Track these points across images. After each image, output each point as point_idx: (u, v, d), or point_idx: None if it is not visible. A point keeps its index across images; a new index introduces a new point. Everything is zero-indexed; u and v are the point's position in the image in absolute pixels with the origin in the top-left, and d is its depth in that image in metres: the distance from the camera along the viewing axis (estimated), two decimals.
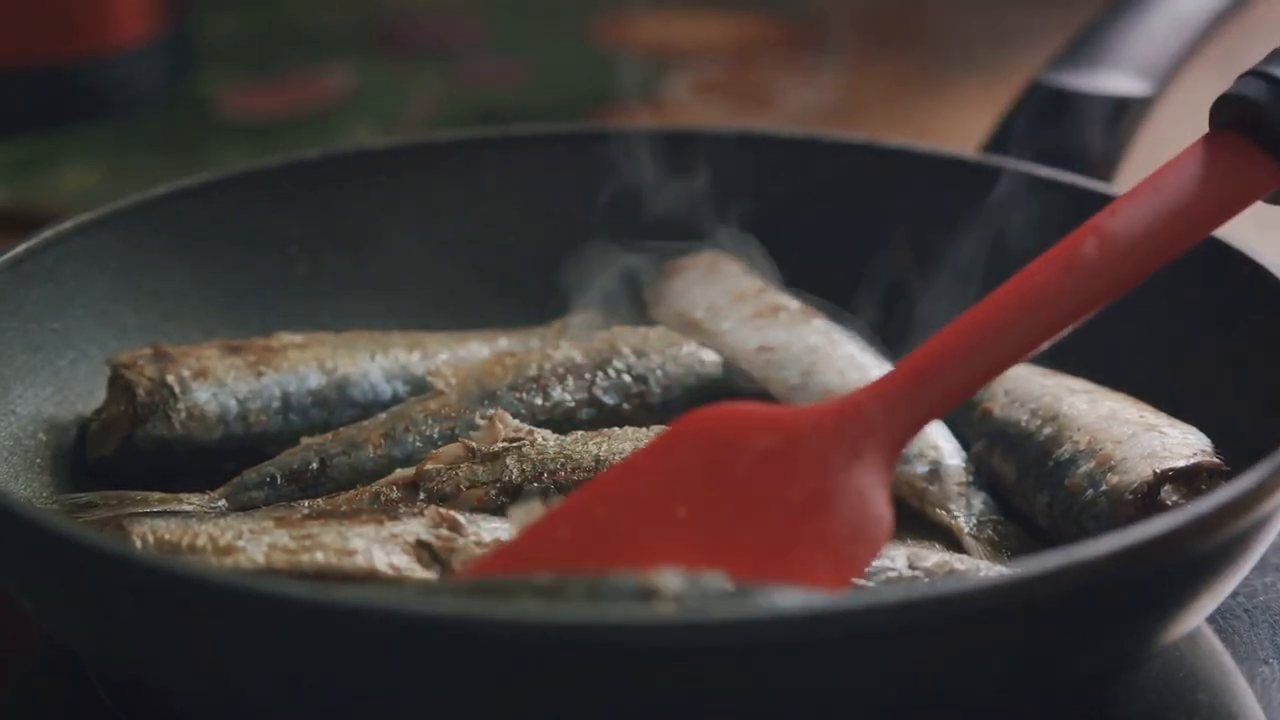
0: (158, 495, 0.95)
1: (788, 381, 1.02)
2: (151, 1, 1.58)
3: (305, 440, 0.98)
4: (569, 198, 1.15)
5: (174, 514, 0.93)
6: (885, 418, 0.82)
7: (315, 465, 0.96)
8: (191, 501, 0.94)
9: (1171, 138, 1.38)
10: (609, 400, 1.00)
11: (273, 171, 1.13)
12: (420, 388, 1.02)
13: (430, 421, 0.98)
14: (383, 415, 0.99)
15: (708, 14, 1.80)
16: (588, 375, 1.01)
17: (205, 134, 1.58)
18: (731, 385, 1.04)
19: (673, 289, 1.10)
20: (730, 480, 0.80)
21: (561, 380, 1.00)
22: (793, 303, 1.07)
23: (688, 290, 1.09)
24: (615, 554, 0.78)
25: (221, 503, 0.95)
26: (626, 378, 1.01)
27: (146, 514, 0.92)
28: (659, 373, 1.02)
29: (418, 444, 0.97)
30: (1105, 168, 1.14)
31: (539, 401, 0.99)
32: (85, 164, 1.51)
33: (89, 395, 1.02)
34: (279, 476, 0.96)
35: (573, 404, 1.00)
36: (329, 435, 0.98)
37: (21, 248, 1.02)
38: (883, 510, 0.80)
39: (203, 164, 1.47)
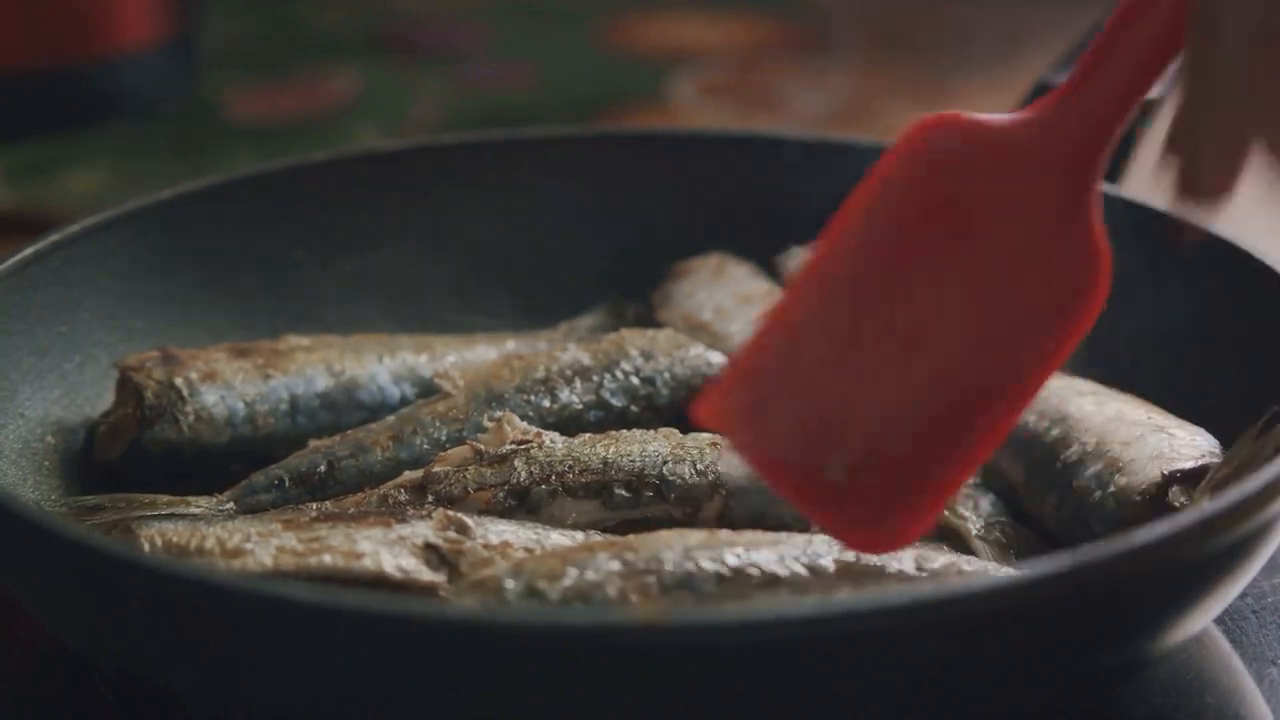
0: (165, 498, 0.95)
1: None
2: (158, 5, 1.58)
3: (313, 443, 0.98)
4: (575, 200, 1.15)
5: (182, 517, 0.93)
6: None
7: (323, 468, 0.96)
8: (199, 505, 0.94)
9: None
10: (616, 402, 1.00)
11: (280, 174, 1.13)
12: (428, 390, 1.02)
13: (438, 424, 0.98)
14: (390, 418, 0.99)
15: (714, 15, 1.80)
16: (595, 377, 1.01)
17: (212, 137, 1.58)
18: None
19: (680, 291, 1.10)
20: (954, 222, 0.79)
21: (569, 382, 1.00)
22: None
23: (695, 292, 1.09)
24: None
25: (230, 505, 0.95)
26: (634, 380, 1.01)
27: (154, 517, 0.92)
28: (666, 375, 1.02)
29: (425, 446, 0.97)
30: (1112, 169, 1.14)
31: (546, 404, 0.99)
32: (92, 167, 1.51)
33: (96, 398, 1.02)
34: (287, 479, 0.96)
35: (580, 406, 1.00)
36: (337, 438, 0.98)
37: (28, 251, 1.02)
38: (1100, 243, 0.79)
39: (209, 167, 1.47)
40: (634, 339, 1.03)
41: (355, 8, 1.87)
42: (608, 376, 1.01)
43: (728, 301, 1.08)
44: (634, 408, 1.00)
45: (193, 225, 1.09)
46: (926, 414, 0.79)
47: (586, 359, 1.01)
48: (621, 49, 1.75)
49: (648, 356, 1.02)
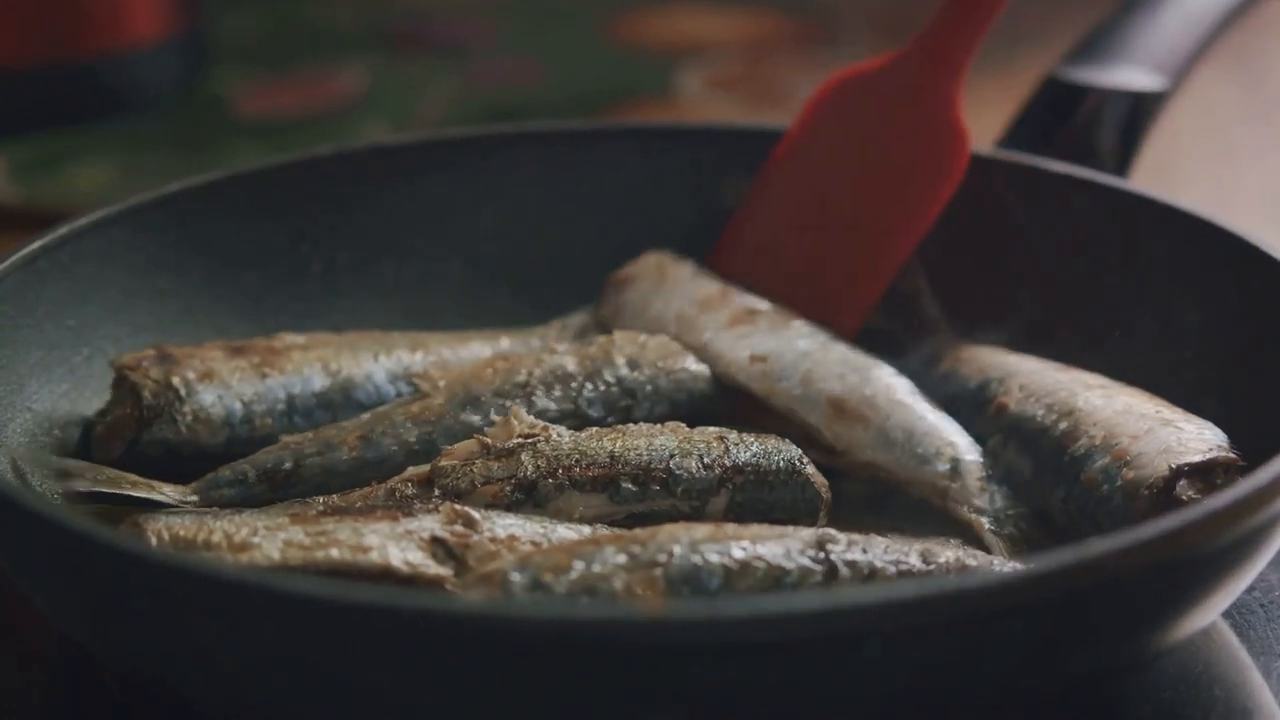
0: (133, 477, 0.94)
1: (790, 392, 1.01)
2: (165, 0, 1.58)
3: (284, 439, 0.97)
4: (582, 195, 1.15)
5: (146, 502, 0.92)
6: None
7: (289, 465, 0.95)
8: (165, 491, 0.94)
9: (1185, 133, 1.38)
10: (593, 413, 0.99)
11: (286, 169, 1.13)
12: None
13: (409, 425, 0.97)
14: (365, 416, 0.98)
15: (722, 10, 1.80)
16: (575, 385, 0.99)
17: (219, 132, 1.58)
18: (722, 400, 1.02)
19: (629, 303, 1.08)
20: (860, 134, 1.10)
21: (549, 389, 0.99)
22: (762, 303, 1.06)
23: (647, 303, 1.07)
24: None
25: (194, 498, 0.94)
26: (615, 390, 1.00)
27: (159, 511, 0.92)
28: (649, 388, 1.00)
29: (393, 448, 0.96)
30: (1119, 162, 1.14)
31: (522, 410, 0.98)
32: (99, 162, 1.51)
33: (103, 392, 1.01)
34: (251, 474, 0.95)
35: (556, 414, 0.98)
36: (308, 435, 0.97)
37: (36, 245, 1.02)
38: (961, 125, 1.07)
39: (216, 162, 1.47)
40: (624, 345, 1.02)
41: (362, 4, 1.87)
42: (588, 385, 0.99)
43: (688, 308, 1.06)
44: (611, 419, 0.99)
45: (199, 220, 1.09)
46: (838, 251, 1.09)
47: (571, 364, 1.00)
48: (628, 43, 1.75)
49: (634, 366, 1.01)
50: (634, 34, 1.76)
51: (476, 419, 0.97)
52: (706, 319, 1.05)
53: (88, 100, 1.56)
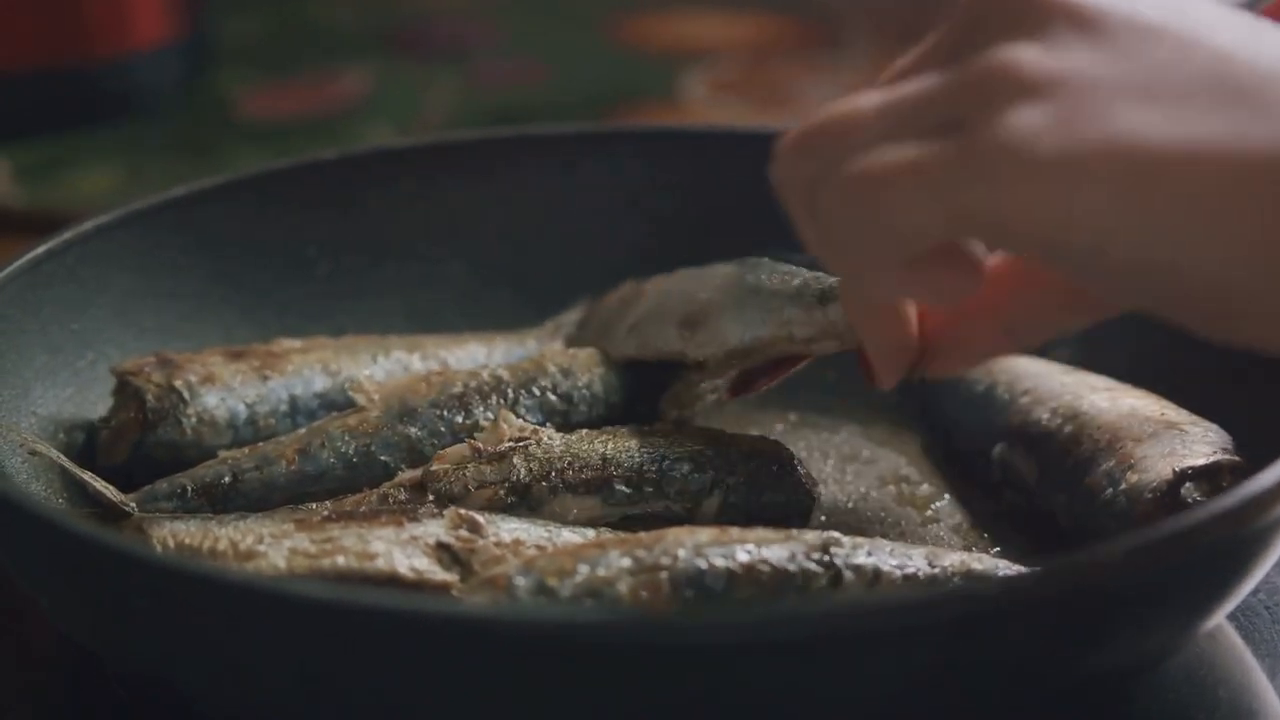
0: (89, 474, 0.94)
1: (650, 334, 1.00)
2: (168, 3, 1.58)
3: (223, 453, 0.97)
4: (585, 197, 1.15)
5: (191, 516, 0.93)
6: None
7: (227, 479, 0.95)
8: (110, 492, 0.93)
9: None
10: (531, 420, 0.99)
11: (291, 172, 1.13)
12: None
13: (346, 438, 0.96)
14: (302, 430, 0.98)
15: (725, 13, 1.80)
16: (511, 394, 1.00)
17: (223, 135, 1.58)
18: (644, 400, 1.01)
19: (591, 327, 1.08)
20: None
21: (484, 399, 0.99)
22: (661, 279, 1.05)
23: (606, 320, 1.08)
24: None
25: (132, 506, 0.94)
26: (551, 397, 1.00)
27: (163, 517, 0.92)
28: (585, 391, 1.00)
29: (331, 460, 0.96)
30: None
31: (459, 420, 0.98)
32: (103, 165, 1.51)
33: (108, 396, 1.01)
34: (190, 488, 0.95)
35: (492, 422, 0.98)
36: (246, 449, 0.96)
37: (41, 249, 1.02)
38: None
39: (220, 165, 1.47)
40: (555, 357, 1.01)
41: (366, 6, 1.87)
42: (524, 394, 0.99)
43: (614, 313, 1.05)
44: (549, 425, 0.99)
45: (204, 223, 1.09)
46: None
47: (505, 375, 1.00)
48: (633, 46, 1.75)
49: (566, 374, 1.01)
50: (637, 36, 1.76)
51: (413, 431, 0.97)
52: (617, 316, 1.05)
53: (91, 104, 1.56)
